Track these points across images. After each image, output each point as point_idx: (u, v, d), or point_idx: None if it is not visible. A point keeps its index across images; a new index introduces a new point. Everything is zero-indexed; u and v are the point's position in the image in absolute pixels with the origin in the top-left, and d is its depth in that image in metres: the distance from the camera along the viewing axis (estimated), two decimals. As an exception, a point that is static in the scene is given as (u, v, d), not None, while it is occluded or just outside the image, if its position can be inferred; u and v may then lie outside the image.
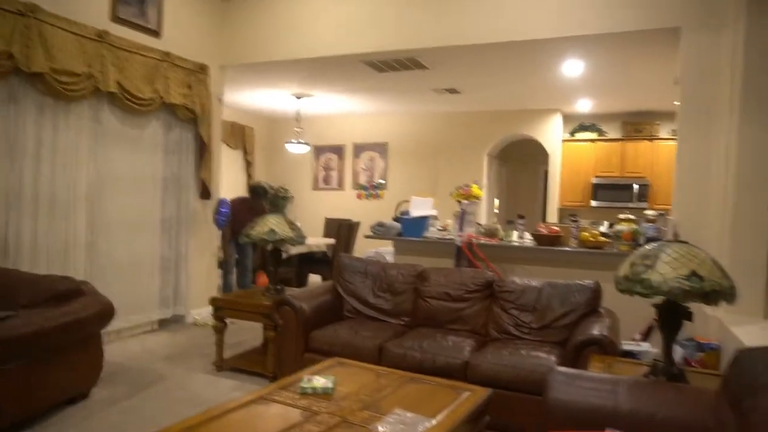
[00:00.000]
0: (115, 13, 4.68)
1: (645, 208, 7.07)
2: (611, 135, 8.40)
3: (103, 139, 4.72)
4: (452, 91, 7.07)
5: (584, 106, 7.95)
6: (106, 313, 3.53)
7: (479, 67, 5.88)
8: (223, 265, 6.42)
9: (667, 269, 2.20)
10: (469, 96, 7.44)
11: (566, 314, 3.59)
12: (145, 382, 3.90)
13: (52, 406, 3.28)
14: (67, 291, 3.35)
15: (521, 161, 9.97)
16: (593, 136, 8.37)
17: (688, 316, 2.35)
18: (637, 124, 8.17)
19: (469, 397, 2.48)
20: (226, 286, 6.42)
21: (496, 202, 9.91)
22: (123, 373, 4.07)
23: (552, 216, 8.41)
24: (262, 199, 6.17)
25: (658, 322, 2.42)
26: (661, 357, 2.42)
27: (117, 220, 4.91)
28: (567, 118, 8.58)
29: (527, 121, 8.39)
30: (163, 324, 5.50)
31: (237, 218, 6.03)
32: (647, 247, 2.41)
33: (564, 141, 8.47)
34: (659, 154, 7.94)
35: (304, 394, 2.43)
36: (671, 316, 2.37)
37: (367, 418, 2.19)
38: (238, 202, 6.38)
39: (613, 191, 8.18)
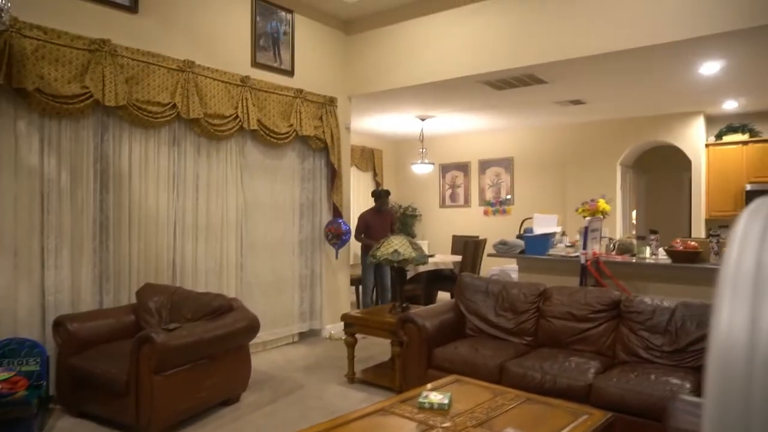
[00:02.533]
0: (255, 60, 5.29)
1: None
2: (767, 135, 7.53)
3: (248, 170, 5.34)
4: (577, 102, 6.87)
5: (731, 105, 7.24)
6: (253, 326, 4.00)
7: (604, 76, 5.68)
8: (360, 282, 6.78)
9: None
10: (595, 105, 7.16)
11: (704, 337, 3.35)
12: (286, 390, 4.32)
13: (209, 407, 3.79)
14: (221, 307, 3.87)
15: (660, 170, 9.29)
16: (744, 137, 7.56)
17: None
18: (799, 122, 7.26)
19: (586, 420, 2.46)
20: (364, 304, 6.74)
21: (634, 214, 9.32)
22: (268, 381, 4.53)
23: (698, 228, 7.73)
24: (383, 199, 6.53)
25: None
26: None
27: (261, 242, 5.49)
28: (711, 119, 7.86)
29: (664, 127, 7.83)
30: (302, 336, 5.99)
31: (371, 230, 6.40)
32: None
33: (708, 145, 7.77)
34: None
35: (421, 408, 2.58)
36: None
37: (479, 434, 2.28)
38: (368, 214, 6.62)
39: (773, 198, 7.29)
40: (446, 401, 2.59)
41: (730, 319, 0.38)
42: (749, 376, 0.36)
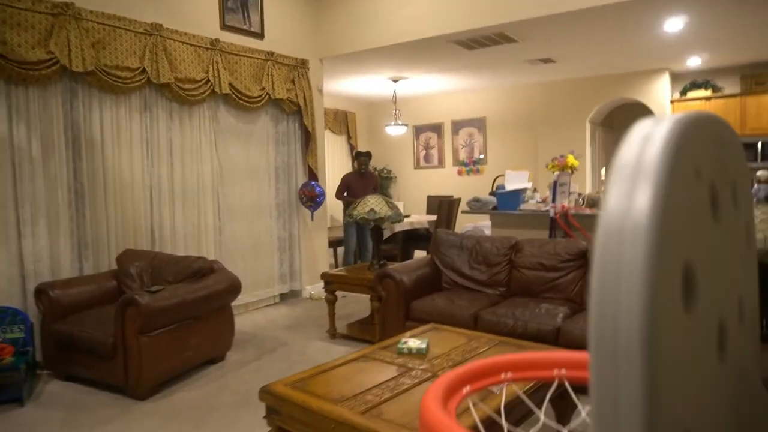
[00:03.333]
0: (224, 22, 5.22)
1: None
2: (729, 91, 7.75)
3: (221, 135, 5.33)
4: (547, 60, 6.95)
5: (695, 62, 7.42)
6: (235, 287, 4.09)
7: (572, 35, 5.75)
8: (339, 243, 6.87)
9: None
10: (565, 64, 7.26)
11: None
12: (269, 348, 4.46)
13: (196, 365, 3.91)
14: (202, 269, 3.94)
15: (628, 126, 9.48)
16: (707, 93, 7.78)
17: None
18: (758, 77, 7.48)
19: (554, 357, 2.63)
20: (346, 264, 6.87)
21: (603, 170, 9.55)
22: (251, 340, 4.66)
23: (663, 181, 7.98)
24: (362, 159, 6.63)
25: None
26: None
27: (238, 206, 5.53)
28: (676, 76, 8.05)
29: (631, 84, 7.99)
30: (283, 298, 6.11)
31: (353, 191, 6.50)
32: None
33: (673, 101, 7.97)
34: (787, 107, 7.22)
35: (401, 353, 2.73)
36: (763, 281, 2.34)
37: (455, 374, 2.44)
38: (350, 176, 6.75)
39: (734, 151, 7.56)
40: (424, 346, 2.74)
41: (613, 200, 0.48)
42: (621, 240, 0.46)
